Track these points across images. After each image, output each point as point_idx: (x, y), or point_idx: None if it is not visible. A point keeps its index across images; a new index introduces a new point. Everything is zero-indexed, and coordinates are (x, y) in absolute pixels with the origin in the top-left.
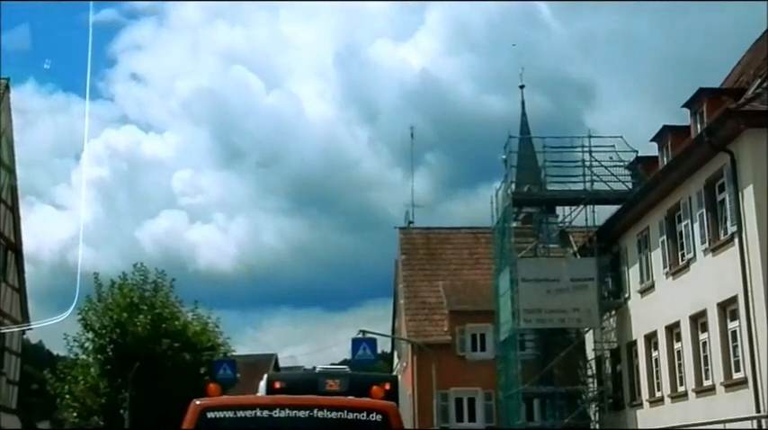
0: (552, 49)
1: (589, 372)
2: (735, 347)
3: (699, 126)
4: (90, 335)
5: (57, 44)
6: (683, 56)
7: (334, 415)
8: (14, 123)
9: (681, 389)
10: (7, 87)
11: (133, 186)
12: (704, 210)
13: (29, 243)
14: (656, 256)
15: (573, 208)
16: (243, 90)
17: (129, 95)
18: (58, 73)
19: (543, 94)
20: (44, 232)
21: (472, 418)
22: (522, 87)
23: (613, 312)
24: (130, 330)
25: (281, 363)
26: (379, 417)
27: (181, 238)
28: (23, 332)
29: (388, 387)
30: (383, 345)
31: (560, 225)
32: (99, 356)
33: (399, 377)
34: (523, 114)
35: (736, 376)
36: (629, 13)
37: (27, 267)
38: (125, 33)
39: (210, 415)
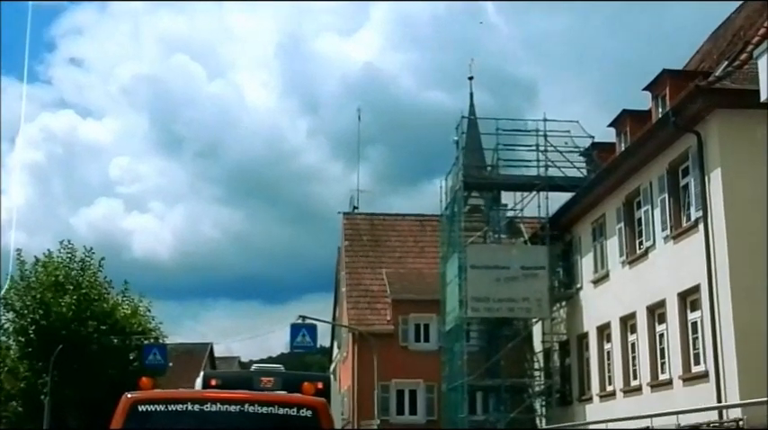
0: (498, 47)
1: (536, 365)
2: (695, 339)
3: (661, 109)
4: (10, 315)
5: None
6: (629, 58)
7: (264, 409)
8: None
9: (635, 383)
10: None
11: (69, 171)
12: (666, 196)
13: None
14: (612, 245)
15: (523, 197)
16: (184, 78)
17: (67, 79)
18: None
19: (487, 92)
20: None
21: (413, 411)
22: (470, 79)
23: (564, 303)
24: (54, 310)
25: (217, 354)
26: (308, 413)
27: (117, 226)
28: None
29: (320, 385)
30: (322, 339)
31: (510, 214)
32: (20, 338)
33: (332, 377)
34: (471, 105)
35: (695, 369)
36: (576, 12)
37: None
38: (65, 17)
39: (142, 408)
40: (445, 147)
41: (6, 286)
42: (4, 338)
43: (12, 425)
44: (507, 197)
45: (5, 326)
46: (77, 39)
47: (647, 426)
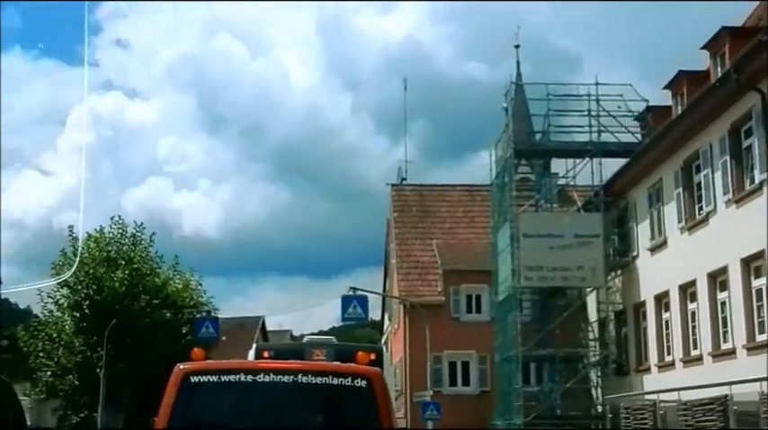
0: (539, 18)
1: (591, 335)
2: (759, 307)
3: (720, 68)
4: (65, 291)
5: (44, 11)
6: (683, 18)
7: (318, 379)
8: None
9: (695, 352)
10: None
11: (117, 153)
12: (728, 158)
13: (14, 209)
14: (670, 210)
15: (575, 164)
16: (227, 57)
17: (113, 62)
18: (45, 39)
19: (530, 64)
20: (29, 198)
21: (466, 382)
22: (517, 47)
23: (619, 271)
24: (107, 286)
25: (268, 328)
26: (363, 383)
27: (166, 204)
28: None
29: (373, 356)
30: (372, 312)
31: (561, 182)
32: (74, 313)
33: (384, 349)
34: (518, 74)
35: (759, 338)
36: None
37: (12, 232)
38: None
39: (194, 379)
40: (489, 118)
41: (59, 262)
42: (59, 314)
43: (69, 398)
44: (557, 166)
45: (60, 301)
46: (122, 21)
47: (726, 394)
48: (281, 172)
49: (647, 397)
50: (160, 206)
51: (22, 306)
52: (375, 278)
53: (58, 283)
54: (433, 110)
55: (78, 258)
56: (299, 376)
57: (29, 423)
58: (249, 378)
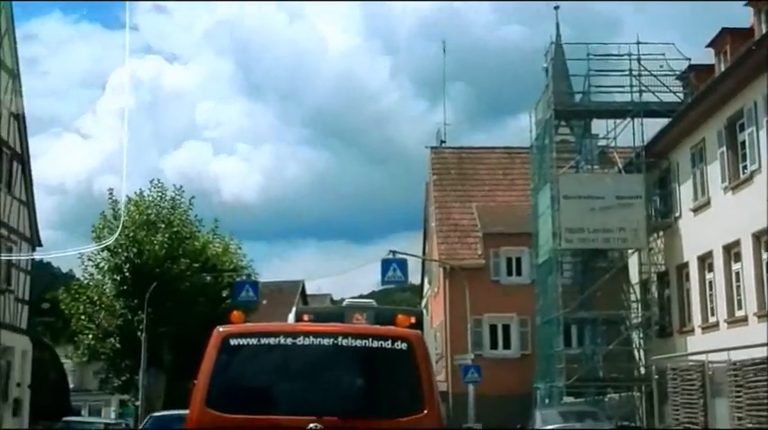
0: None
1: (633, 297)
2: None
3: (765, 25)
4: (105, 254)
5: None
6: None
7: (358, 342)
8: (41, 52)
9: (739, 313)
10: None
11: (156, 117)
12: None
13: (55, 173)
14: (713, 170)
15: (615, 125)
16: (265, 22)
17: (152, 26)
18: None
19: (568, 27)
20: (70, 162)
21: (507, 345)
22: (556, 8)
23: (661, 233)
24: (147, 249)
25: (308, 292)
26: (404, 346)
27: (205, 169)
28: (33, 249)
29: (413, 319)
30: (411, 277)
31: (602, 143)
32: (115, 276)
33: (425, 312)
34: (558, 35)
35: None
36: None
37: (54, 197)
38: None
39: (233, 342)
40: (528, 81)
41: (99, 225)
42: (100, 277)
43: (110, 361)
44: (597, 128)
45: (101, 265)
46: None
47: None
48: (320, 136)
49: (693, 357)
50: (199, 171)
51: (64, 270)
52: (414, 242)
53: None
54: (471, 73)
55: (121, 222)
56: (339, 339)
57: (71, 385)
58: (289, 340)
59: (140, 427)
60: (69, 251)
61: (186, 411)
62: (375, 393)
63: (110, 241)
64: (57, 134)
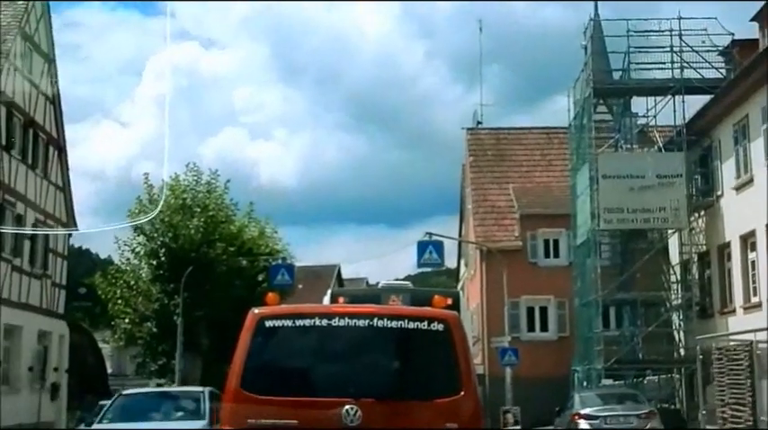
0: None
1: (673, 278)
2: None
3: None
4: (141, 239)
5: None
6: None
7: (394, 323)
8: (80, 39)
9: None
10: None
11: (193, 103)
12: None
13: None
14: (757, 147)
15: (656, 103)
16: (301, 6)
17: (188, 12)
18: None
19: (607, 9)
20: (109, 148)
21: (544, 328)
22: None
23: (702, 212)
24: (183, 233)
25: (344, 276)
26: (440, 327)
27: (242, 154)
28: (70, 234)
29: (449, 301)
30: (448, 260)
31: (641, 122)
32: (151, 261)
33: (461, 294)
34: (596, 13)
35: None
36: None
37: (94, 184)
38: None
39: (269, 323)
40: (565, 63)
41: (135, 209)
42: (136, 262)
43: (147, 345)
44: (637, 106)
45: (137, 249)
46: None
47: None
48: (356, 121)
49: (739, 336)
50: (236, 156)
51: (102, 256)
52: (450, 226)
53: (135, 231)
54: (508, 54)
55: (161, 205)
56: (375, 320)
57: (109, 370)
58: (324, 322)
59: (107, 407)
60: (102, 227)
61: (160, 389)
62: (411, 374)
63: (145, 219)
64: (96, 121)
